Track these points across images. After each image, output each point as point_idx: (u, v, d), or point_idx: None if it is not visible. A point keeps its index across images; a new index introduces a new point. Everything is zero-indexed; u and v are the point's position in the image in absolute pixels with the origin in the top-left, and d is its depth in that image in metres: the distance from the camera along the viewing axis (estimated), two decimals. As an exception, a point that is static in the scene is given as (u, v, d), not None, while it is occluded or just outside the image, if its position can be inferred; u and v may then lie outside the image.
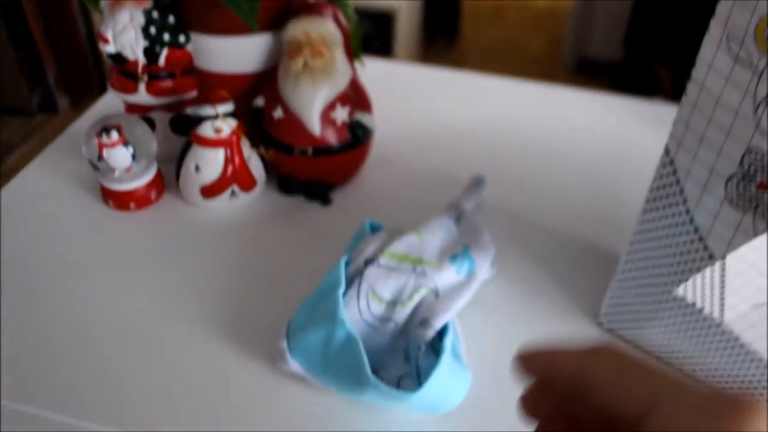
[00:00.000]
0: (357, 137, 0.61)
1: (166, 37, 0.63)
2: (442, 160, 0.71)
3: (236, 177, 0.60)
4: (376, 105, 0.64)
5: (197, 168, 0.59)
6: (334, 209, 0.64)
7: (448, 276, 0.49)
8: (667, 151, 0.41)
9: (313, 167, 0.62)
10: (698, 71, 0.38)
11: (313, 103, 0.58)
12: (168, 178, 0.64)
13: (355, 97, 0.61)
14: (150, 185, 0.62)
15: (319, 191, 0.64)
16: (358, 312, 0.46)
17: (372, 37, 2.40)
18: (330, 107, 0.59)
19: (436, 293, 0.48)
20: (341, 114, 0.60)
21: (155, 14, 0.61)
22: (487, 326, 0.52)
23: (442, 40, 3.01)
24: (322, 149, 0.60)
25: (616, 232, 0.61)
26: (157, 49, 0.63)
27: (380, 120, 0.66)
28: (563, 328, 0.52)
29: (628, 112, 0.82)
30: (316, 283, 0.49)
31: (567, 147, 0.75)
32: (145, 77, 0.64)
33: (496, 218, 0.63)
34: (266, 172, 0.63)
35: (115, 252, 0.57)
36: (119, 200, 0.61)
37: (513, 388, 0.41)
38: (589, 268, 0.57)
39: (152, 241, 0.59)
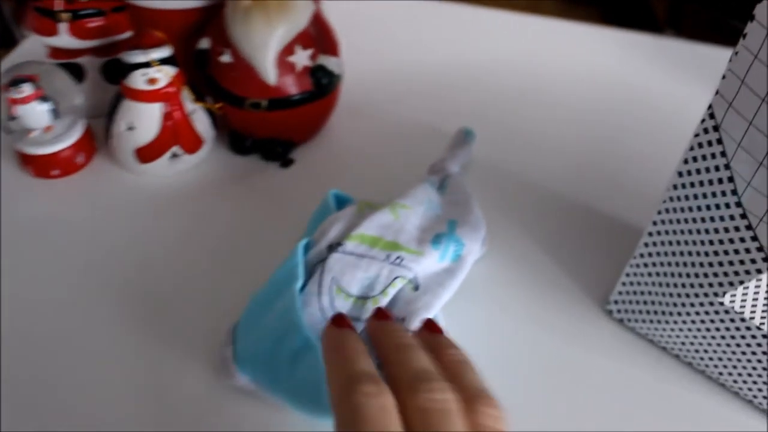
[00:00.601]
0: (321, 86, 0.51)
1: (87, -36, 0.52)
2: (422, 110, 0.61)
3: (177, 136, 0.50)
4: (342, 44, 0.54)
5: (130, 127, 0.49)
6: (296, 171, 0.54)
7: (429, 263, 0.40)
8: (711, 114, 0.31)
9: (269, 122, 0.52)
10: (763, 9, 0.28)
11: (266, 45, 0.48)
12: (101, 137, 0.54)
13: (319, 36, 0.51)
14: (76, 147, 0.52)
15: (278, 150, 0.54)
16: (320, 311, 0.38)
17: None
18: (287, 50, 0.49)
19: (415, 285, 0.39)
20: (301, 58, 0.50)
21: (69, -65, 0.50)
22: (475, 315, 0.43)
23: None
24: (279, 101, 0.50)
25: (630, 199, 0.53)
26: (78, -21, 0.52)
27: (348, 62, 0.56)
28: (565, 316, 0.44)
29: (637, 49, 0.72)
30: (274, 267, 0.40)
31: (570, 93, 0.65)
32: (67, 15, 0.53)
33: (486, 181, 0.54)
34: (215, 128, 0.53)
35: (35, 228, 0.48)
36: (40, 166, 0.51)
37: (507, 390, 0.33)
38: (597, 243, 0.49)
39: (80, 215, 0.49)
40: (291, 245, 0.41)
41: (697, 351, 0.39)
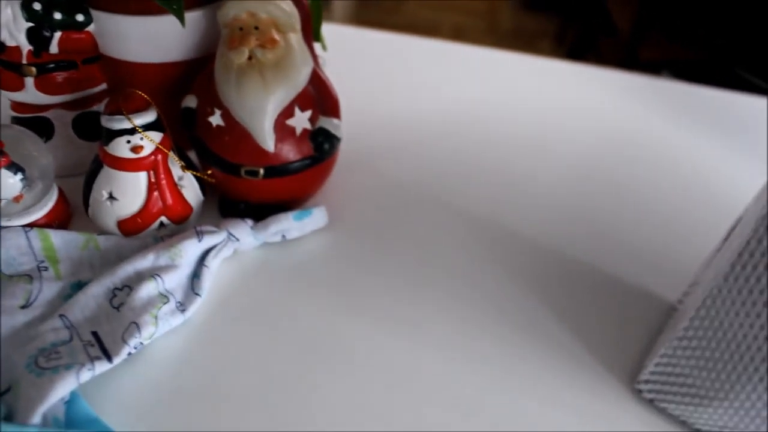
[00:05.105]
0: (322, 150, 0.47)
1: (58, 15, 0.47)
2: (421, 161, 0.58)
3: (165, 207, 0.46)
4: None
5: (112, 196, 0.45)
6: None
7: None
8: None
9: (264, 189, 0.48)
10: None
11: (264, 109, 0.44)
12: (75, 199, 0.49)
13: (318, 96, 0.47)
14: (50, 216, 0.47)
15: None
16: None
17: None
18: (286, 112, 0.45)
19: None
20: (301, 120, 0.46)
21: (39, -14, 0.46)
22: (487, 389, 0.41)
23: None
24: (277, 169, 0.46)
25: (651, 266, 0.50)
26: (46, 31, 0.47)
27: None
28: (585, 392, 0.41)
29: (635, 93, 0.71)
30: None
31: (580, 143, 0.63)
32: (33, 70, 0.48)
33: (492, 242, 0.51)
34: (203, 192, 0.49)
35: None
36: (8, 240, 0.46)
37: None
38: (623, 311, 0.47)
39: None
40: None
41: (742, 437, 0.37)
